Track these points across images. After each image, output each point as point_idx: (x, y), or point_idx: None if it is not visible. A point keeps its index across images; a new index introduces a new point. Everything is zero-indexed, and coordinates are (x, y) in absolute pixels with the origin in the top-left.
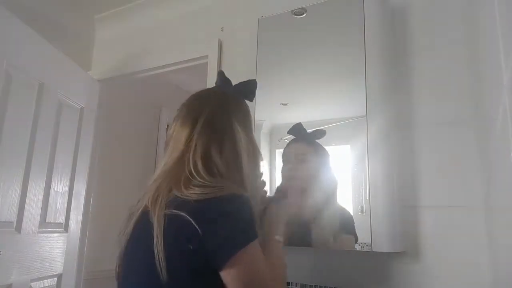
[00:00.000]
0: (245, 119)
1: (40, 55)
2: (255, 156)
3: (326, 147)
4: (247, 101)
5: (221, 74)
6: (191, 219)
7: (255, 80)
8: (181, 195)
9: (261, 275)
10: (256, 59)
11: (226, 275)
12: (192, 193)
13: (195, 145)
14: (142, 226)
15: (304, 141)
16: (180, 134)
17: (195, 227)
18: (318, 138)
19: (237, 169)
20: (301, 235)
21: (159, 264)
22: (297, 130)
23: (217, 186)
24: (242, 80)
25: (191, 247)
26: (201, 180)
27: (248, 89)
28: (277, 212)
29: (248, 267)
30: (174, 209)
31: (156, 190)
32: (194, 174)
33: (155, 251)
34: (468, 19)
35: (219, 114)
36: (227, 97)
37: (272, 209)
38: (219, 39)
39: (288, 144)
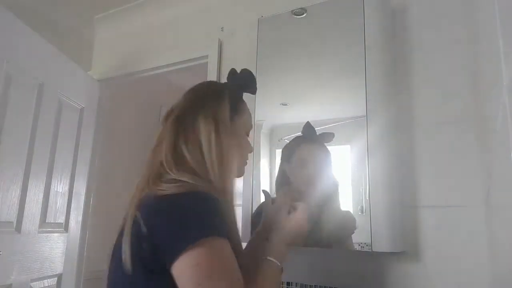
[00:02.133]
0: (219, 115)
1: (40, 55)
2: (223, 151)
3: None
4: (250, 95)
5: (230, 71)
6: (141, 218)
7: (246, 69)
8: (149, 192)
9: (214, 277)
10: (256, 59)
11: (174, 271)
12: (157, 189)
13: (164, 142)
14: (122, 226)
15: (316, 143)
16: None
17: (144, 226)
18: (327, 141)
19: (203, 164)
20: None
21: (124, 263)
22: (309, 131)
23: (177, 183)
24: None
25: (143, 246)
26: (167, 177)
27: (244, 82)
28: (282, 226)
29: (197, 265)
30: (136, 209)
31: (135, 189)
32: (161, 171)
33: (122, 251)
34: (468, 19)
35: (187, 111)
36: (202, 94)
37: (274, 220)
38: (219, 39)
39: (300, 146)
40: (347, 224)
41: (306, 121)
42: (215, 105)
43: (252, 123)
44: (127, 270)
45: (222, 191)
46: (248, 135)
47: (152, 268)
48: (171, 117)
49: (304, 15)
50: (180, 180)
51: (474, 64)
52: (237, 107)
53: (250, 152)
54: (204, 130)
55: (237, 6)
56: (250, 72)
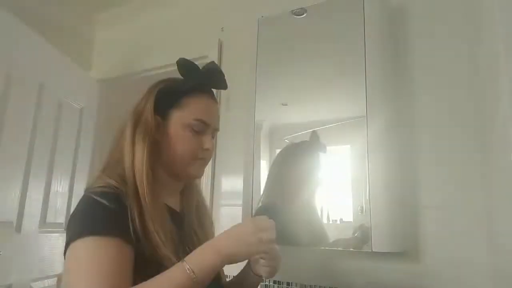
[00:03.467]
0: (139, 108)
1: (40, 55)
2: (135, 150)
3: (326, 147)
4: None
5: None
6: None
7: (212, 62)
8: None
9: (73, 274)
10: (256, 59)
11: None
12: None
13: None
14: None
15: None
16: None
17: None
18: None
19: (119, 165)
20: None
21: None
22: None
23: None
24: (242, 81)
25: None
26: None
27: (203, 76)
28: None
29: (68, 261)
30: None
31: None
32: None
33: None
34: (468, 19)
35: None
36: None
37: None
38: (219, 39)
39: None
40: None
41: (306, 121)
42: (142, 99)
43: (211, 121)
44: None
45: (135, 194)
46: (197, 131)
47: None
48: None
49: (304, 15)
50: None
51: (474, 64)
52: (178, 101)
53: (200, 148)
54: (125, 126)
55: (237, 6)
56: (212, 66)
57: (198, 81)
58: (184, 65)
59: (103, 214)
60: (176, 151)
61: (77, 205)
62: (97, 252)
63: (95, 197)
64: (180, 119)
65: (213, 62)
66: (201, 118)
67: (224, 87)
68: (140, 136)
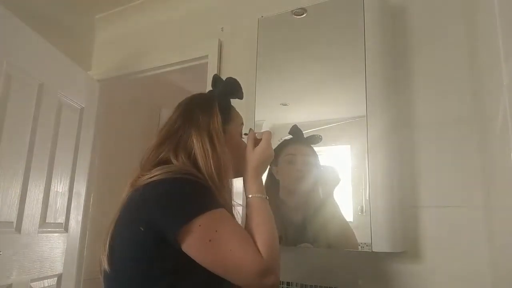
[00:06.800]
0: (211, 127)
1: (40, 55)
2: (220, 161)
3: (326, 147)
4: (237, 100)
5: (213, 78)
6: (137, 204)
7: (231, 78)
8: (137, 185)
9: (221, 229)
10: (256, 59)
11: (183, 246)
12: (143, 180)
13: (153, 156)
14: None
15: (302, 143)
16: (159, 133)
17: (144, 210)
18: (314, 143)
19: (191, 162)
20: (299, 234)
21: (104, 253)
22: (297, 132)
23: (161, 172)
24: (242, 81)
25: (142, 229)
26: (153, 169)
27: (231, 90)
28: (248, 161)
29: (198, 239)
30: (127, 197)
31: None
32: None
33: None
34: (468, 19)
35: (179, 125)
36: (193, 107)
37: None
38: (219, 39)
39: (287, 146)
40: (346, 232)
41: (306, 121)
42: (207, 119)
43: (243, 121)
44: (107, 269)
45: (221, 190)
46: (241, 136)
47: (146, 250)
48: (163, 131)
49: (304, 15)
50: (161, 170)
51: (474, 64)
52: (228, 116)
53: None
54: (199, 144)
55: (237, 6)
56: (235, 80)
57: (230, 91)
58: (218, 80)
59: (199, 196)
60: (237, 157)
61: (166, 188)
62: (225, 220)
63: (186, 184)
64: (235, 129)
65: (230, 77)
66: (242, 123)
67: (242, 97)
68: (220, 151)
